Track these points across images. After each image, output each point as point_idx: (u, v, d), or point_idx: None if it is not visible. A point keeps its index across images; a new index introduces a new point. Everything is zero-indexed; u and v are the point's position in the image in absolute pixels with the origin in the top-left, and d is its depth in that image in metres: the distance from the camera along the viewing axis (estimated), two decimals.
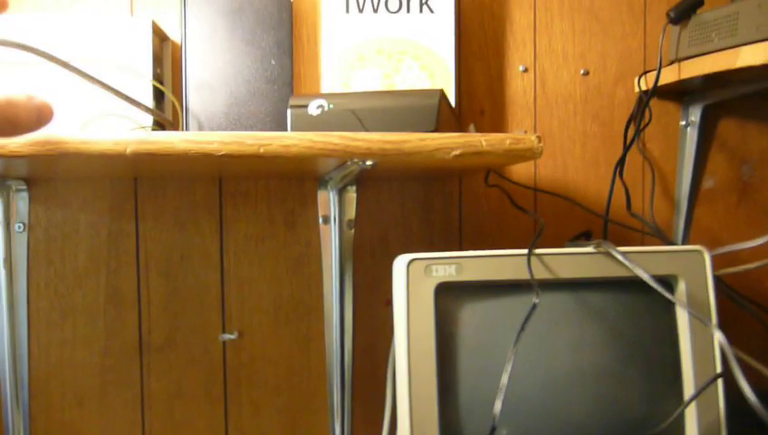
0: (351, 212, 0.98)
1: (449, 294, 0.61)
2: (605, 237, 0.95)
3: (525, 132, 1.03)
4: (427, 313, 0.59)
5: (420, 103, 0.61)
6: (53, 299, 0.96)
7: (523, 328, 0.56)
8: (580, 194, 1.04)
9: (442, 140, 0.61)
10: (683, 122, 1.05)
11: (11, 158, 0.58)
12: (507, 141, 0.62)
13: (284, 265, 1.00)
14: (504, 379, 0.54)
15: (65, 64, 0.74)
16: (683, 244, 1.01)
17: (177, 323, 0.98)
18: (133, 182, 0.97)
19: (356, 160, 0.62)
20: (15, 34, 0.83)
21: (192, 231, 0.98)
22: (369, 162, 0.62)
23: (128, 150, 0.57)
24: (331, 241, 0.98)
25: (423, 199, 1.02)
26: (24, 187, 0.94)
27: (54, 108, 0.35)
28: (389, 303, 1.02)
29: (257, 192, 0.99)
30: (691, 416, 0.60)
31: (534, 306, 0.56)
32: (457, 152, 0.61)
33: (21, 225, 0.95)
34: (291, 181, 0.99)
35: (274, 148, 0.59)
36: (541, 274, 0.60)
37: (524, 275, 0.60)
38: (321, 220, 0.99)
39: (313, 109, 0.63)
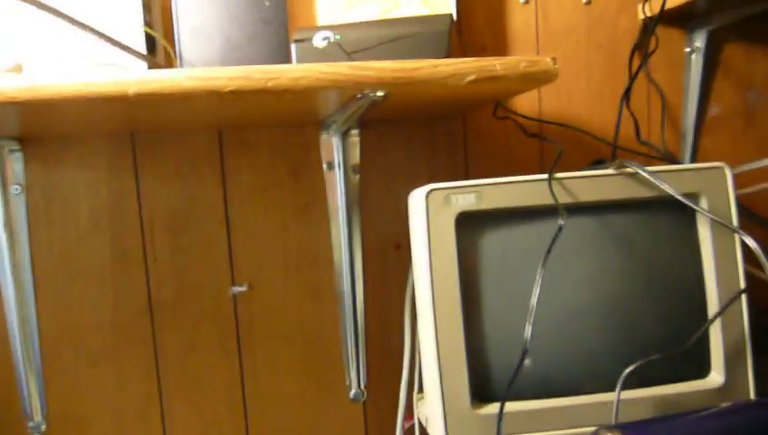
0: (356, 157, 0.96)
1: (470, 224, 0.59)
2: (603, 163, 0.94)
3: None
4: (448, 243, 0.58)
5: (430, 30, 0.59)
6: (58, 261, 0.95)
7: (549, 250, 0.55)
8: (585, 126, 1.02)
9: (456, 65, 0.59)
10: (687, 49, 1.03)
11: (8, 104, 0.55)
12: (522, 64, 0.60)
13: (290, 213, 0.98)
14: (534, 301, 0.53)
15: (55, 11, 0.71)
16: None
17: (185, 278, 0.97)
18: (130, 136, 0.95)
19: (367, 92, 0.60)
20: None
21: (194, 184, 0.96)
22: (380, 93, 0.60)
23: (130, 91, 0.55)
24: (337, 187, 0.96)
25: (427, 140, 1.00)
26: (18, 147, 0.92)
27: None
28: (399, 247, 1.01)
29: (258, 141, 0.97)
30: (716, 333, 0.60)
31: (560, 228, 0.55)
32: (472, 78, 0.59)
33: (17, 186, 0.92)
34: (292, 128, 0.97)
35: (283, 81, 0.57)
36: (562, 198, 0.59)
37: (545, 201, 0.59)
38: (325, 166, 0.97)
39: (319, 41, 0.61)
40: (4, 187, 0.91)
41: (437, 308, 0.57)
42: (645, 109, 1.03)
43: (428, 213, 0.58)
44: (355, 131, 0.95)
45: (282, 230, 0.98)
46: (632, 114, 0.98)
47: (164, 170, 0.95)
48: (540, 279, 0.53)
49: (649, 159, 0.99)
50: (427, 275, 0.58)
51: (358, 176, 0.96)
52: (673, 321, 0.61)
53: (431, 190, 0.59)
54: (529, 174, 0.99)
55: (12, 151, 0.91)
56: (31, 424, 0.93)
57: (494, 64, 0.59)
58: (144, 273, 0.96)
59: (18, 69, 0.59)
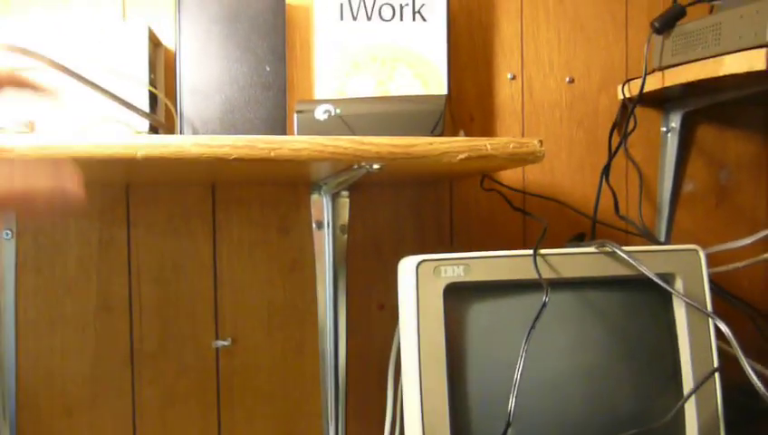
0: (344, 217, 0.98)
1: (457, 294, 0.62)
2: (583, 238, 0.97)
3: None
4: (436, 313, 0.60)
5: (427, 108, 0.62)
6: (42, 308, 0.95)
7: (533, 326, 0.57)
8: (566, 198, 1.06)
9: (449, 144, 0.62)
10: (663, 128, 1.09)
11: (20, 161, 0.57)
12: (511, 145, 0.64)
13: (278, 270, 1.00)
14: (517, 375, 0.55)
15: (67, 70, 0.74)
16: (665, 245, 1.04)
17: (169, 330, 0.97)
18: (125, 188, 0.96)
19: (364, 164, 0.63)
20: (8, 38, 0.82)
21: (185, 237, 0.98)
22: (376, 166, 0.63)
23: (138, 154, 0.58)
24: (325, 246, 0.99)
25: (415, 205, 1.03)
26: None
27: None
28: (382, 307, 1.03)
29: (250, 197, 0.99)
30: (691, 409, 0.62)
31: (544, 304, 0.57)
32: (464, 156, 0.63)
33: (8, 232, 0.93)
34: (284, 187, 1.00)
35: (285, 151, 0.60)
36: (546, 273, 0.62)
37: (530, 275, 0.62)
38: (314, 225, 0.99)
39: (320, 114, 0.64)
40: None
41: (424, 374, 0.59)
42: (623, 183, 1.08)
43: (418, 282, 0.61)
44: (345, 193, 0.98)
45: (268, 285, 1.00)
46: (611, 189, 1.02)
47: (156, 222, 0.97)
48: (523, 354, 0.56)
49: (627, 233, 1.03)
50: (414, 342, 0.60)
51: (346, 236, 0.99)
52: (650, 396, 0.63)
53: (422, 261, 0.61)
54: (512, 244, 1.03)
55: None
56: None
57: (485, 144, 0.63)
58: (128, 323, 0.96)
59: (31, 127, 0.61)
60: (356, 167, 0.65)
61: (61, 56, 0.82)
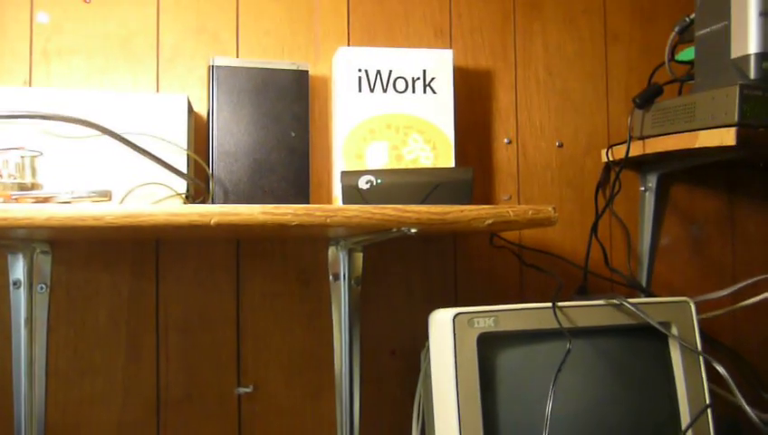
0: (359, 270, 1.06)
1: (488, 343, 0.71)
2: (585, 290, 1.08)
3: (510, 197, 1.16)
4: (471, 359, 0.68)
5: (458, 178, 0.72)
6: (72, 358, 0.99)
7: (560, 369, 0.66)
8: (558, 251, 1.17)
9: (478, 211, 0.72)
10: (642, 188, 1.21)
11: (106, 228, 0.64)
12: (530, 212, 0.74)
13: (298, 319, 1.07)
14: (548, 410, 0.64)
15: (119, 137, 0.81)
16: (645, 295, 1.15)
17: (194, 377, 1.03)
18: (154, 244, 1.03)
19: (403, 229, 0.72)
20: (56, 108, 0.88)
21: (210, 290, 1.04)
22: (413, 230, 0.72)
23: (212, 222, 0.65)
24: (341, 296, 1.06)
25: (422, 258, 1.12)
26: (48, 249, 0.98)
27: None
28: (394, 353, 1.10)
29: (273, 252, 1.06)
30: None
31: (569, 351, 0.66)
32: (490, 221, 0.72)
33: (43, 286, 0.98)
34: (304, 242, 1.08)
35: (339, 218, 0.68)
36: (564, 323, 0.71)
37: (550, 325, 0.71)
38: (331, 278, 1.07)
39: (363, 183, 0.73)
40: (31, 285, 0.97)
41: (462, 417, 0.67)
42: (608, 237, 1.19)
43: (455, 333, 0.69)
44: (359, 248, 1.06)
45: (288, 334, 1.06)
46: (600, 243, 1.13)
47: (183, 276, 1.03)
48: (552, 393, 0.64)
49: (614, 283, 1.14)
50: (453, 384, 0.68)
51: (359, 287, 1.07)
52: (653, 428, 0.73)
53: (458, 314, 0.70)
54: (511, 294, 1.12)
55: (43, 253, 0.98)
56: None
57: (508, 212, 0.73)
58: (155, 372, 1.02)
59: (108, 195, 0.68)
60: (395, 230, 0.74)
61: (109, 124, 0.90)
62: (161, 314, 1.02)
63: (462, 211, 0.71)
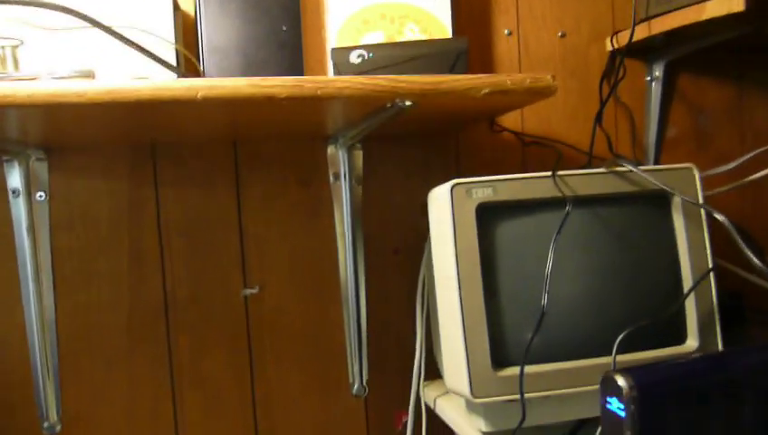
0: (359, 169, 1.05)
1: (487, 213, 0.70)
2: None
3: None
4: (470, 228, 0.67)
5: (452, 49, 0.69)
6: (77, 265, 1.00)
7: (559, 231, 0.65)
8: (562, 143, 1.15)
9: (473, 80, 0.70)
10: (648, 78, 1.18)
11: (90, 105, 0.62)
12: (528, 80, 0.71)
13: (299, 221, 1.06)
14: (548, 271, 0.63)
15: (107, 29, 0.79)
16: None
17: (199, 281, 1.03)
18: (150, 148, 1.01)
19: (397, 102, 0.70)
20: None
21: (210, 194, 1.03)
22: (408, 103, 0.70)
23: (199, 95, 0.63)
24: (343, 196, 1.05)
25: (422, 156, 1.10)
26: (44, 156, 0.97)
27: None
28: (397, 251, 1.10)
29: (270, 153, 1.05)
30: (690, 305, 0.71)
31: (568, 213, 0.65)
32: (486, 90, 0.70)
33: (42, 193, 0.97)
34: (302, 142, 1.06)
35: (330, 90, 0.66)
36: (564, 192, 0.70)
37: (550, 194, 0.69)
38: (331, 178, 1.06)
39: (354, 57, 0.71)
40: (30, 193, 0.96)
41: (463, 286, 0.66)
42: (613, 128, 1.17)
43: (453, 203, 0.68)
44: (359, 145, 1.05)
45: (291, 235, 1.06)
46: (605, 132, 1.11)
47: (182, 180, 1.02)
48: (552, 254, 0.64)
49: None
50: (452, 254, 0.67)
51: (360, 186, 1.06)
52: (656, 296, 0.72)
53: (455, 184, 0.69)
54: None
55: (38, 160, 0.97)
56: (46, 425, 0.96)
57: (505, 80, 0.70)
58: (160, 276, 1.02)
59: (91, 75, 0.67)
60: (389, 105, 0.72)
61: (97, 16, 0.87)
62: (162, 220, 1.02)
63: (457, 80, 0.69)
